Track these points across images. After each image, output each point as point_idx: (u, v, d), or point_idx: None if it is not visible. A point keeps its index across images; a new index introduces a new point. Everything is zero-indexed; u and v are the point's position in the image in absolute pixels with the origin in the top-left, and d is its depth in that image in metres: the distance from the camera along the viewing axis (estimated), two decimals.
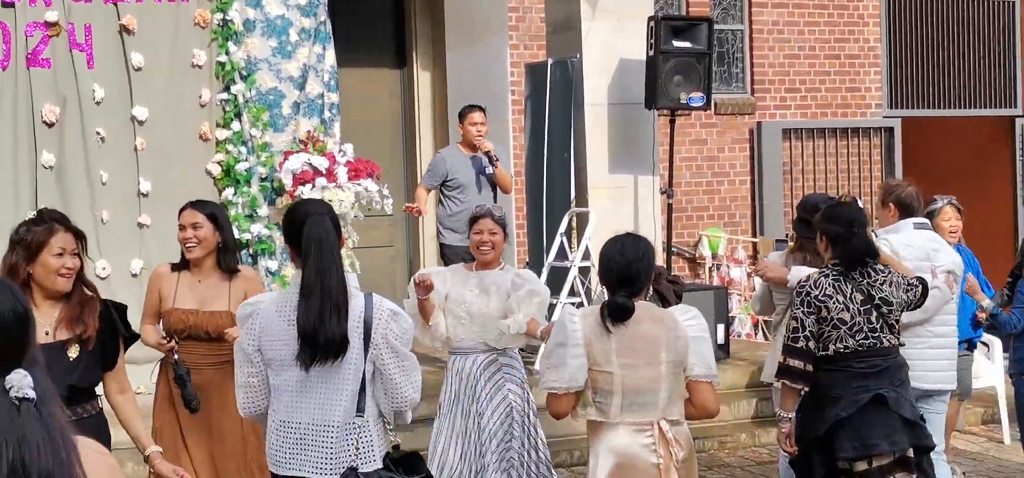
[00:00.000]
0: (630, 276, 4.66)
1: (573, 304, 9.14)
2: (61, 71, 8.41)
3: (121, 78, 8.56)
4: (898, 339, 5.59)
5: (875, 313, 5.50)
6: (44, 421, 2.22)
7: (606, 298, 4.69)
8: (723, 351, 9.73)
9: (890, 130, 13.54)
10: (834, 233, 5.61)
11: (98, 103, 8.48)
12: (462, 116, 9.47)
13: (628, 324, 4.64)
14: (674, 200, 10.70)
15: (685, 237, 12.82)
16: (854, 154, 13.41)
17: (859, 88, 13.65)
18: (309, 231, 4.24)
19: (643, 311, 4.70)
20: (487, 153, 9.25)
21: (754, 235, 13.08)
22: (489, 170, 9.36)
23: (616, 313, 4.62)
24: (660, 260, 9.54)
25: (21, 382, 2.21)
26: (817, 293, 5.48)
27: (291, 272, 8.73)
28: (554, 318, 6.28)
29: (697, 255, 12.85)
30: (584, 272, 9.62)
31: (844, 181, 13.30)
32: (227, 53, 8.73)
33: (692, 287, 10.44)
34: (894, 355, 5.57)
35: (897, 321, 5.58)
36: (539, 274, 9.60)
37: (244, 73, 8.77)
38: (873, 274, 5.59)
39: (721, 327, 9.81)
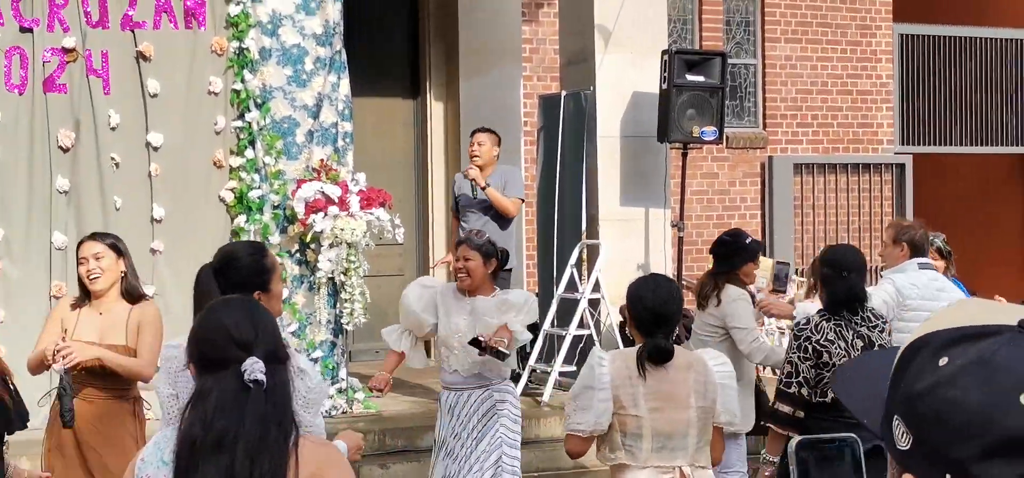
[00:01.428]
0: (667, 315, 4.60)
1: (587, 335, 9.15)
2: (77, 96, 8.46)
3: (137, 104, 8.60)
4: None
5: None
6: (266, 406, 2.58)
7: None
8: None
9: (901, 166, 13.55)
10: (823, 275, 5.59)
11: (113, 129, 8.53)
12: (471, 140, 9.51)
13: (659, 367, 4.58)
14: (685, 233, 10.71)
15: (695, 270, 12.79)
16: (865, 190, 13.41)
17: (871, 124, 13.66)
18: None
19: (675, 354, 4.64)
20: (473, 181, 9.19)
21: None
22: (480, 196, 9.23)
23: (658, 355, 4.56)
24: None
25: (252, 367, 2.58)
26: (818, 338, 5.42)
27: (301, 300, 8.76)
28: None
29: None
30: (594, 304, 9.62)
31: (855, 217, 13.30)
32: (243, 81, 8.77)
33: None
34: None
35: None
36: (548, 305, 9.63)
37: (259, 101, 8.80)
38: (873, 320, 5.57)
39: None
